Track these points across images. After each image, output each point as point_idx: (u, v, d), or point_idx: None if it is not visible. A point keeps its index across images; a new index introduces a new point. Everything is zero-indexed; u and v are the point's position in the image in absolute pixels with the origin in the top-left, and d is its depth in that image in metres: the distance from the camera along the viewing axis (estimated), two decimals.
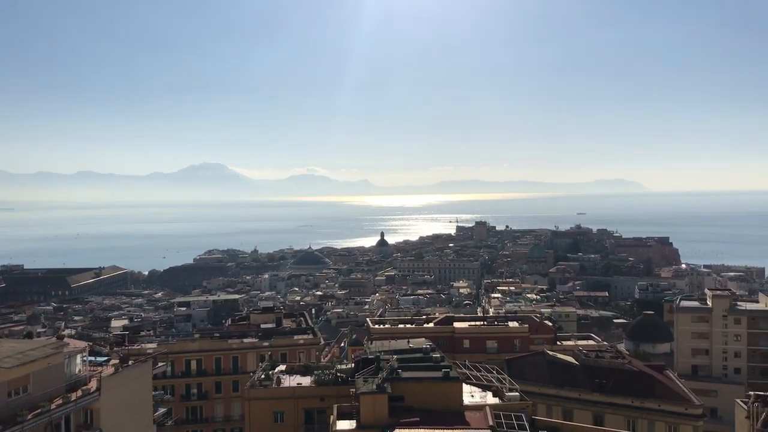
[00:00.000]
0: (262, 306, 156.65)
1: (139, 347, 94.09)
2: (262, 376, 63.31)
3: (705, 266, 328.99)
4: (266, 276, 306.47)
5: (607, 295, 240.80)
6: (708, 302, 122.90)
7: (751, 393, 65.62)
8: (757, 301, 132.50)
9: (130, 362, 51.63)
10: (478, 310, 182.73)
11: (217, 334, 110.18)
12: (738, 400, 70.04)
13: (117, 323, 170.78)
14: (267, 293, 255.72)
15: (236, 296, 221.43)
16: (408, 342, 61.50)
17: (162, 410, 60.37)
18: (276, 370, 65.81)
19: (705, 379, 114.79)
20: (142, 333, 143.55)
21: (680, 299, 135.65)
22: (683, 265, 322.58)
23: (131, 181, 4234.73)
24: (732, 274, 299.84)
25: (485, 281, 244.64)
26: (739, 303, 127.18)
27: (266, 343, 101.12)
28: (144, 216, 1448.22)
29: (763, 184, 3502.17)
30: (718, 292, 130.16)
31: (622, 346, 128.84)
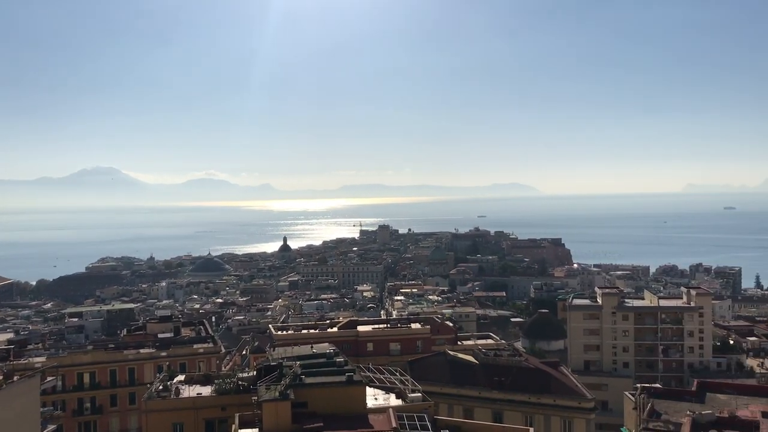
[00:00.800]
0: (159, 315, 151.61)
1: (26, 362, 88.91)
2: (160, 388, 61.22)
3: (595, 265, 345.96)
4: (163, 284, 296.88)
5: (505, 294, 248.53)
6: (598, 300, 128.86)
7: (638, 385, 69.52)
8: (643, 298, 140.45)
9: (15, 378, 48.70)
10: (382, 312, 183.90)
11: (112, 345, 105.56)
12: (626, 393, 74.00)
13: (1, 337, 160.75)
14: (164, 302, 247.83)
15: (132, 305, 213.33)
16: (311, 347, 61.09)
17: (51, 427, 57.30)
18: (175, 381, 63.82)
19: (596, 373, 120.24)
20: (30, 346, 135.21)
21: (572, 298, 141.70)
22: (575, 265, 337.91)
23: (17, 186, 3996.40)
24: (620, 272, 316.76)
25: (388, 284, 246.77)
26: (626, 300, 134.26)
27: (164, 354, 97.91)
28: (32, 223, 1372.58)
29: (649, 187, 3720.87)
30: (608, 290, 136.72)
31: (519, 344, 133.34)
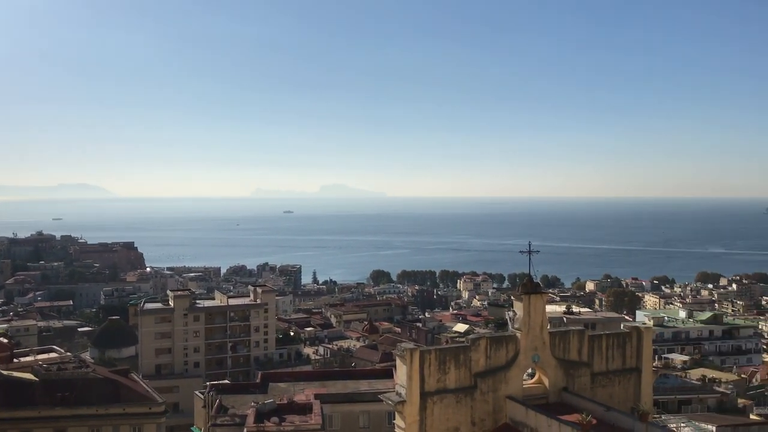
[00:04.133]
0: None
1: None
2: None
3: (168, 268, 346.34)
4: None
5: (72, 303, 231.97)
6: (170, 303, 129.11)
7: (208, 384, 71.74)
8: (214, 298, 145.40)
9: None
10: None
11: None
12: (196, 392, 75.67)
13: None
14: None
15: None
16: None
17: None
18: None
19: (168, 376, 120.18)
20: None
21: (144, 302, 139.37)
22: (148, 269, 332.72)
23: None
24: (192, 274, 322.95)
25: None
26: (198, 301, 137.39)
27: None
28: None
29: (223, 191, 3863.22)
30: (179, 293, 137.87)
31: (87, 355, 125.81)
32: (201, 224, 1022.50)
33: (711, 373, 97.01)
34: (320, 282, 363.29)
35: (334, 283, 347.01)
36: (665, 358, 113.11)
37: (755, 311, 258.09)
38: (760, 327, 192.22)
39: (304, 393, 64.77)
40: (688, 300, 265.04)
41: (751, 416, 74.23)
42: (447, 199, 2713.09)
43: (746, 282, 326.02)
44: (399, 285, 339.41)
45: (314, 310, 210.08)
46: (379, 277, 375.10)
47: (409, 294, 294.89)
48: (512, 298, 35.50)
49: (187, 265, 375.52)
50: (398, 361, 30.99)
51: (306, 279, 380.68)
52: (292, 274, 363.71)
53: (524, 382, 33.06)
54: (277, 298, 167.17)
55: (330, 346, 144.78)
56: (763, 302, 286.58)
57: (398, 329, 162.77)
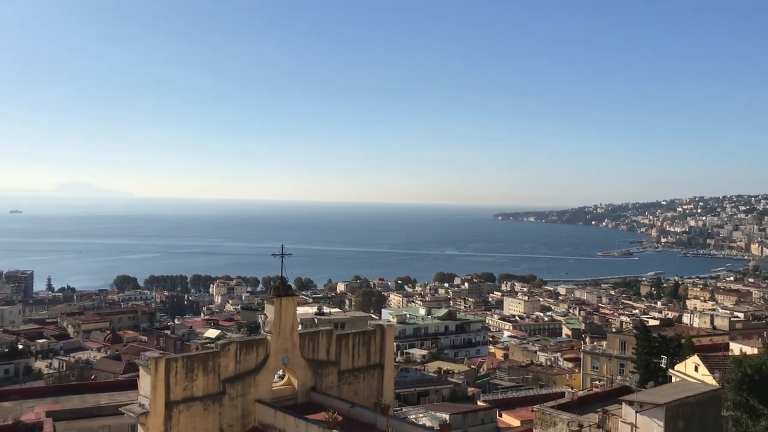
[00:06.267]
0: None
1: None
2: None
3: None
4: None
5: None
6: None
7: None
8: None
9: None
10: None
11: None
12: None
13: None
14: None
15: None
16: None
17: None
18: None
19: None
20: None
21: None
22: None
23: None
24: None
25: None
26: None
27: None
28: None
29: None
30: None
31: None
32: None
33: (446, 366, 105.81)
34: (56, 289, 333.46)
35: (72, 290, 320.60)
36: (407, 353, 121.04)
37: (483, 307, 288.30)
38: (486, 321, 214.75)
39: (33, 411, 58.99)
40: (427, 298, 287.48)
41: (479, 403, 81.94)
42: (199, 200, 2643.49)
43: (476, 281, 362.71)
44: (146, 291, 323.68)
45: (48, 320, 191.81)
46: (125, 282, 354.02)
47: (158, 300, 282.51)
48: (264, 301, 35.56)
49: None
50: (142, 371, 29.51)
51: (39, 286, 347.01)
52: (21, 280, 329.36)
53: (274, 384, 33.27)
54: (2, 307, 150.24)
55: (66, 358, 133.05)
56: (490, 299, 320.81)
57: (145, 338, 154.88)
